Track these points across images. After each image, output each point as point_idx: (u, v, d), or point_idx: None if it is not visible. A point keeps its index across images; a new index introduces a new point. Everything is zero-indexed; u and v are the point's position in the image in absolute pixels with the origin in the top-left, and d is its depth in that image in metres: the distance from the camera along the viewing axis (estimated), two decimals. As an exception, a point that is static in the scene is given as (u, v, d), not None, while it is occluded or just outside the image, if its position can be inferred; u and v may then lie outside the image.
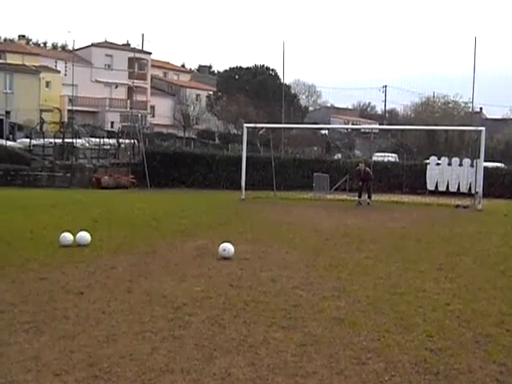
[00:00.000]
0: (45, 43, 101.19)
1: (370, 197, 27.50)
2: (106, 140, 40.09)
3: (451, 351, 6.49)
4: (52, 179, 33.43)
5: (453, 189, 32.93)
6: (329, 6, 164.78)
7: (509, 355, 6.40)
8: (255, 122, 43.27)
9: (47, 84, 64.81)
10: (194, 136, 70.39)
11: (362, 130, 65.37)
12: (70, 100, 63.60)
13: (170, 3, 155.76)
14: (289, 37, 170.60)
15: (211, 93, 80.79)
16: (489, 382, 5.69)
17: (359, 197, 27.62)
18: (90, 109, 70.76)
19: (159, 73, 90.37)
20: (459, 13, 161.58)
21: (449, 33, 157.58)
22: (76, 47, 75.65)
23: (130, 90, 72.93)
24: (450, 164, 33.73)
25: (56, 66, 69.39)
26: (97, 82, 74.25)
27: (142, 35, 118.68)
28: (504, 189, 34.26)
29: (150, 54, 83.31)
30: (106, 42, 80.00)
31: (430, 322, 7.62)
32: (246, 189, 28.25)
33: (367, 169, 28.42)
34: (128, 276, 9.86)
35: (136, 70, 77.61)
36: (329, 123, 77.15)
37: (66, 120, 57.28)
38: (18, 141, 40.26)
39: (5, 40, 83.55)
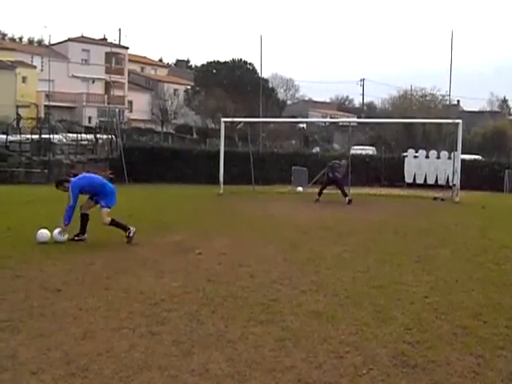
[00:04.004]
0: (20, 38, 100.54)
1: (346, 195, 25.04)
2: (84, 135, 39.77)
3: (429, 344, 6.51)
4: (29, 175, 33.14)
5: (430, 181, 33.10)
6: (307, 1, 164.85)
7: (486, 347, 6.44)
8: (233, 117, 43.30)
9: (23, 79, 64.24)
10: (171, 131, 70.27)
11: (340, 124, 65.63)
12: (47, 95, 63.14)
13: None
14: (266, 31, 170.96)
15: (189, 87, 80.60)
16: (466, 374, 5.72)
17: (319, 194, 25.09)
18: (67, 104, 70.39)
19: (136, 67, 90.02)
20: (436, 9, 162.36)
21: (426, 29, 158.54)
22: (52, 42, 75.05)
23: (108, 85, 72.49)
24: (427, 157, 33.93)
25: (32, 61, 68.85)
26: (74, 77, 73.81)
27: (119, 30, 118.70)
28: (481, 181, 34.54)
29: (127, 48, 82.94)
30: (82, 36, 79.47)
31: (408, 314, 7.64)
32: (224, 183, 28.19)
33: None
34: (105, 272, 9.79)
35: (113, 64, 77.23)
36: (307, 117, 77.25)
37: (42, 116, 56.85)
38: (-5, 137, 39.84)
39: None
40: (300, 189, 30.06)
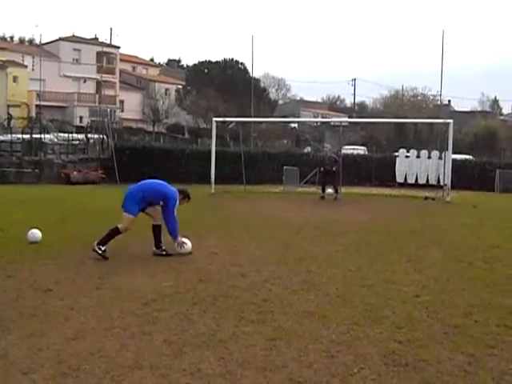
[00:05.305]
0: (12, 37, 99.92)
1: (336, 191, 26.85)
2: (75, 135, 39.67)
3: (420, 342, 6.53)
4: (20, 175, 33.01)
5: (422, 181, 33.26)
6: (298, 1, 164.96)
7: (477, 346, 6.46)
8: (224, 116, 43.15)
9: (14, 79, 64.07)
10: (163, 130, 70.06)
11: (332, 123, 65.52)
12: (38, 95, 62.94)
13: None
14: (258, 30, 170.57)
15: (180, 87, 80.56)
16: (457, 373, 5.74)
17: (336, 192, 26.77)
18: (59, 104, 70.15)
19: (128, 67, 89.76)
20: (428, 9, 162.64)
21: (418, 29, 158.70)
22: (43, 41, 74.70)
23: (99, 85, 72.18)
24: (418, 156, 34.07)
25: (23, 60, 68.66)
26: (65, 76, 73.61)
27: (111, 29, 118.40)
28: (472, 181, 34.53)
29: (119, 48, 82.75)
30: (73, 36, 79.16)
31: (399, 313, 7.66)
32: (215, 183, 28.16)
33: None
34: (97, 272, 9.78)
35: (104, 64, 77.08)
36: (298, 116, 77.34)
37: (34, 115, 56.64)
38: (-15, 137, 39.67)
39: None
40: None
